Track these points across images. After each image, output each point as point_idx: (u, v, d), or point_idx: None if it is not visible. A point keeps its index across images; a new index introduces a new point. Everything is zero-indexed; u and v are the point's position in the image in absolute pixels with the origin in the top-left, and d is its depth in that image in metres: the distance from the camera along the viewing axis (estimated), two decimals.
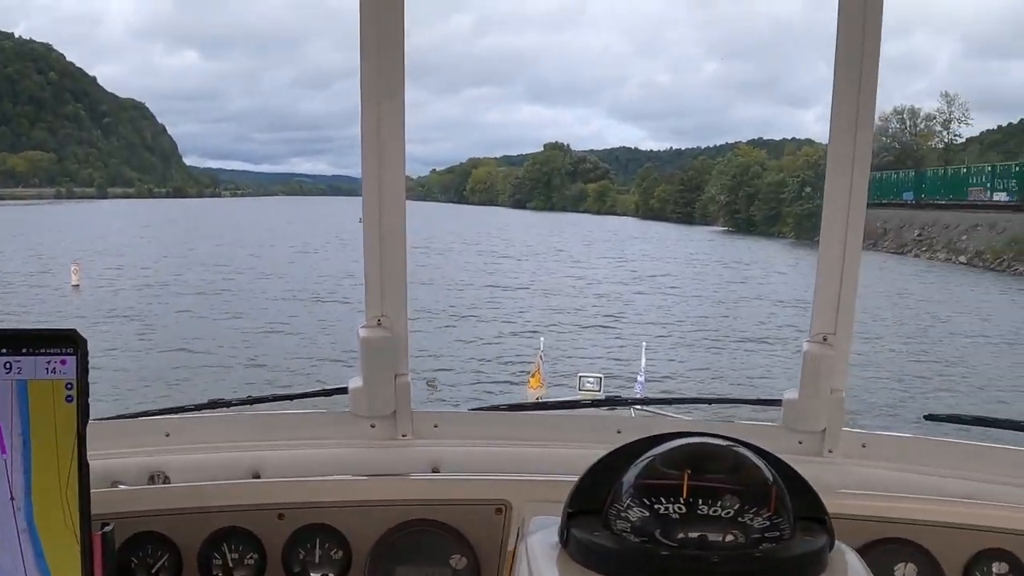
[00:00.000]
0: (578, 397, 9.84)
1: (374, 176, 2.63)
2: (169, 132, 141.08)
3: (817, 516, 1.71)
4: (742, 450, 1.69)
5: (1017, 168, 56.60)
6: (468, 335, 27.41)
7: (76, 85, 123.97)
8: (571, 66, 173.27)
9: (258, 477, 2.63)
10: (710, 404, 3.87)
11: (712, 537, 1.55)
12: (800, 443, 2.80)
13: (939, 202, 60.34)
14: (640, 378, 15.02)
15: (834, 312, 2.70)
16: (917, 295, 38.99)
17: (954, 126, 77.72)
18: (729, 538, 1.55)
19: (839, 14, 2.53)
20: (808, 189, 56.35)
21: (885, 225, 60.19)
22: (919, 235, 57.61)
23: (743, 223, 68.76)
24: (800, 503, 1.69)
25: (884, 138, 74.32)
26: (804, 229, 55.60)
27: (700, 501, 1.57)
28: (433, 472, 2.71)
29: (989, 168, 59.28)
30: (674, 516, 1.57)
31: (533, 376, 16.16)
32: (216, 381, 19.76)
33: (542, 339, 18.39)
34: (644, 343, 18.40)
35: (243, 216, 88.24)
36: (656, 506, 1.59)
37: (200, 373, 21.01)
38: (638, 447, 1.74)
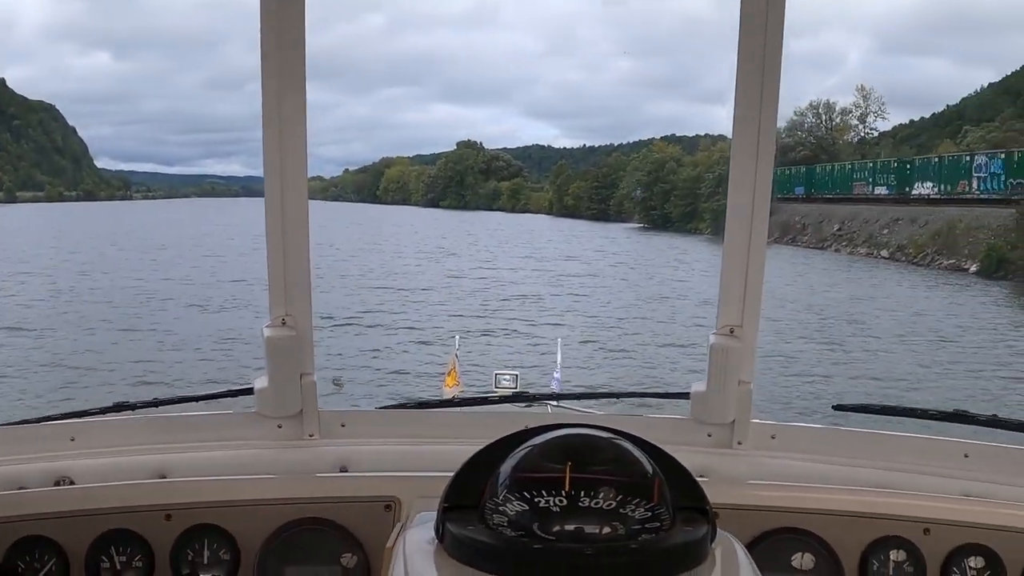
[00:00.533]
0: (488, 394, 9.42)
1: (276, 174, 2.58)
2: (80, 134, 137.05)
3: (699, 507, 1.68)
4: (622, 442, 1.67)
5: (895, 165, 60.71)
6: (377, 344, 26.44)
7: None
8: (484, 65, 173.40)
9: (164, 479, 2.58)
10: (618, 399, 3.78)
11: (589, 529, 1.53)
12: (709, 436, 2.79)
13: (827, 196, 64.07)
14: (556, 374, 14.63)
15: (740, 304, 2.70)
16: (848, 291, 39.26)
17: (870, 119, 79.85)
18: (607, 530, 1.53)
19: (741, 11, 2.52)
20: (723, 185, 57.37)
21: (804, 220, 61.32)
22: (839, 229, 58.64)
23: (659, 219, 69.36)
24: (682, 494, 1.67)
25: (800, 132, 76.07)
26: (721, 225, 55.97)
27: (582, 494, 1.55)
28: (341, 471, 2.69)
29: (871, 164, 63.67)
30: (555, 509, 1.54)
31: (449, 375, 15.76)
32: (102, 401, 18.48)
33: (457, 337, 17.89)
34: (560, 339, 18.22)
35: (152, 219, 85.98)
36: (536, 499, 1.56)
37: (81, 393, 19.39)
38: (516, 440, 1.69)
